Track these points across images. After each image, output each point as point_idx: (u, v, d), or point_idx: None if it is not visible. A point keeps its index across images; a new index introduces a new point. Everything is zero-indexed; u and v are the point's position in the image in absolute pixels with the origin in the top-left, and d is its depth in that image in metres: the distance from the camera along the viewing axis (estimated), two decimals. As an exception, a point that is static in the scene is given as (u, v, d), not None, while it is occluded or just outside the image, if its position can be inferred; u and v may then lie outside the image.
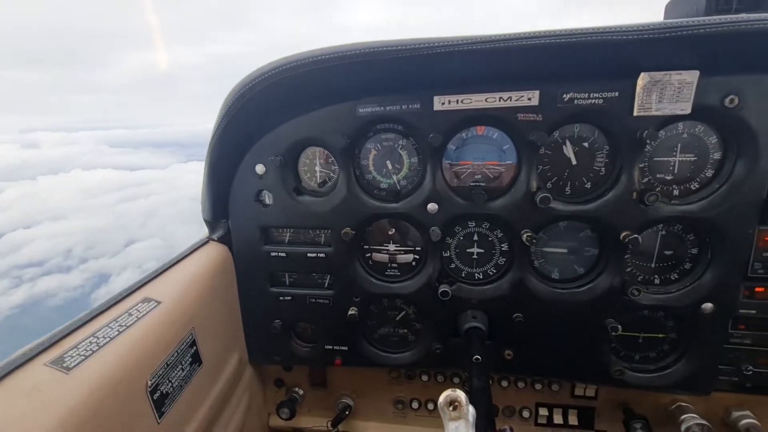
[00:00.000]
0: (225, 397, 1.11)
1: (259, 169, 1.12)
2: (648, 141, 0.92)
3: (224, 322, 1.15)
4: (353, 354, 1.24)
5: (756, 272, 0.99)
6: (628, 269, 1.08)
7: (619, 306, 1.07)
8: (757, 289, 1.01)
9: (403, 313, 1.24)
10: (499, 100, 0.97)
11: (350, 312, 1.17)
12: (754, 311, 1.02)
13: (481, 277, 1.16)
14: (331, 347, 1.25)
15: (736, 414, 1.14)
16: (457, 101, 0.99)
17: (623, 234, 0.99)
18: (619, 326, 1.05)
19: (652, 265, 1.07)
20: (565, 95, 0.95)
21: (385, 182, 1.14)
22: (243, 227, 1.19)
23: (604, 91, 0.93)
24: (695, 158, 0.98)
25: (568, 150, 1.03)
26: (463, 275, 1.17)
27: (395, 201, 1.11)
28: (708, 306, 1.02)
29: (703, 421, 1.10)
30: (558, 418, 1.26)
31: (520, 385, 1.26)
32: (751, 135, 0.91)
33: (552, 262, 1.12)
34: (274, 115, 1.09)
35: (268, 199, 1.16)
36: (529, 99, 0.96)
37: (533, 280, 1.10)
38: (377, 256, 1.20)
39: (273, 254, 1.19)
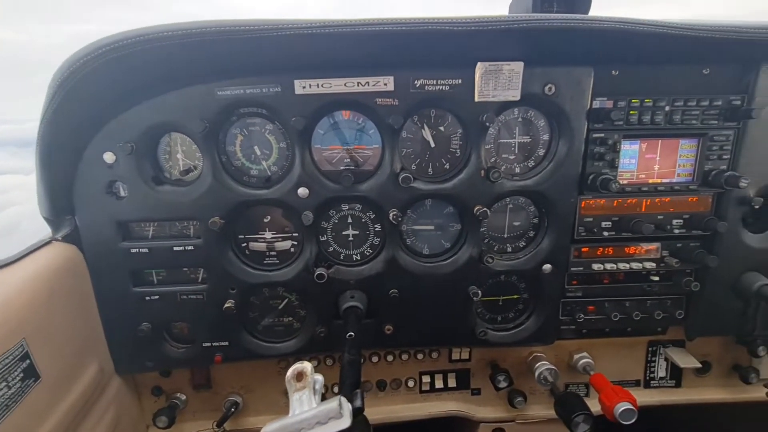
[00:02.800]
0: (79, 413, 0.99)
1: (108, 157, 1.01)
2: (488, 124, 1.04)
3: (74, 329, 1.02)
4: (235, 348, 1.20)
5: (580, 235, 1.18)
6: (486, 240, 1.21)
7: (479, 274, 1.19)
8: (583, 249, 1.21)
9: (286, 300, 1.23)
10: (358, 85, 1.01)
11: (226, 305, 1.13)
12: (581, 268, 1.21)
13: (358, 257, 1.20)
14: (209, 344, 1.19)
15: (576, 356, 1.35)
16: (318, 85, 1.00)
17: (476, 208, 1.11)
18: (480, 291, 1.17)
19: (505, 236, 1.21)
20: (416, 81, 1.02)
21: (255, 168, 1.11)
22: (94, 223, 1.06)
23: (450, 78, 1.02)
24: (530, 139, 1.13)
25: (427, 133, 1.11)
26: (341, 257, 1.20)
27: (266, 187, 1.09)
28: (547, 267, 1.19)
29: (552, 366, 1.29)
30: (439, 383, 1.37)
31: (404, 357, 1.34)
32: (566, 119, 1.07)
33: (422, 239, 1.21)
34: (122, 98, 0.99)
35: (122, 190, 1.06)
36: (385, 84, 1.01)
37: (405, 257, 1.17)
38: (254, 245, 1.17)
39: (134, 251, 1.09)
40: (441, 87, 1.02)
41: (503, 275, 1.24)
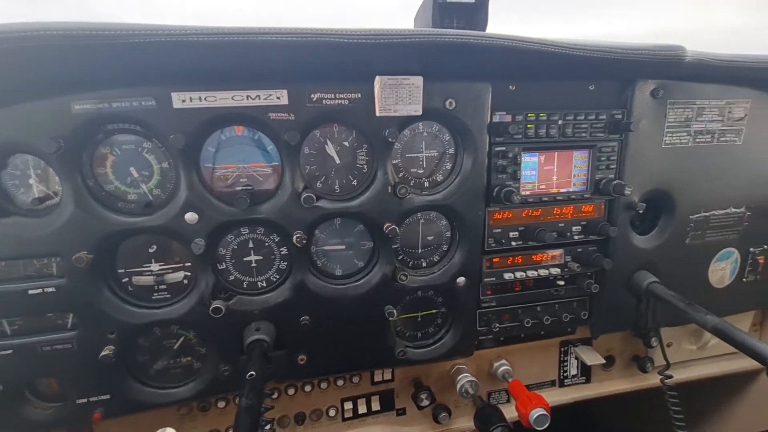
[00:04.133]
0: None
1: None
2: (391, 139, 1.00)
3: None
4: (120, 401, 1.03)
5: (490, 246, 1.20)
6: (400, 257, 1.18)
7: (394, 292, 1.15)
8: (494, 260, 1.22)
9: (182, 339, 1.09)
10: (247, 99, 0.92)
11: (103, 353, 0.96)
12: (494, 278, 1.23)
13: (264, 284, 1.10)
14: (85, 400, 1.01)
15: (496, 364, 1.37)
16: (200, 98, 0.90)
17: (385, 225, 1.07)
18: (395, 311, 1.13)
19: (419, 251, 1.19)
20: (313, 95, 0.95)
21: (133, 193, 0.97)
22: None
23: (349, 92, 0.97)
24: (437, 153, 1.12)
25: (330, 149, 1.05)
26: (245, 286, 1.09)
27: (146, 213, 0.96)
28: (461, 279, 1.19)
29: (473, 378, 1.29)
30: (362, 408, 1.31)
31: (323, 385, 1.26)
32: (468, 133, 1.08)
33: (333, 260, 1.14)
34: None
35: (-48, 226, 0.86)
36: (278, 98, 0.93)
37: (315, 281, 1.10)
38: (139, 280, 1.02)
39: None
40: (340, 101, 0.97)
41: (420, 291, 1.21)
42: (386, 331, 1.19)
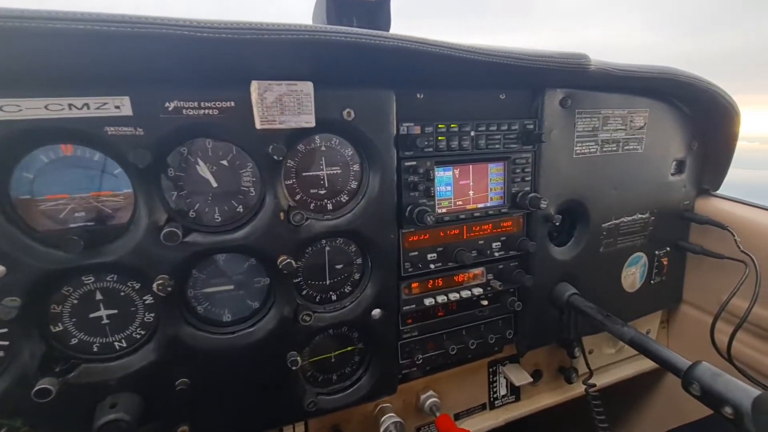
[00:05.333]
0: None
1: None
2: (276, 157, 0.83)
3: None
4: None
5: (407, 271, 1.08)
6: (305, 291, 1.01)
7: (298, 335, 0.97)
8: (413, 285, 1.10)
9: (5, 430, 0.81)
10: (70, 108, 0.69)
11: None
12: (414, 305, 1.11)
13: (124, 344, 0.86)
14: None
15: (422, 397, 1.25)
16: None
17: (280, 259, 0.89)
18: (299, 359, 0.96)
19: (327, 282, 1.03)
20: (168, 104, 0.75)
21: None
22: None
23: (218, 100, 0.78)
24: (340, 170, 0.97)
25: (204, 170, 0.85)
26: (94, 350, 0.84)
27: None
28: (377, 312, 1.05)
29: (398, 419, 1.15)
30: (272, 472, 1.11)
31: (220, 454, 1.04)
32: (373, 147, 0.94)
33: (220, 303, 0.94)
34: None
35: None
36: (118, 107, 0.72)
37: (194, 332, 0.88)
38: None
39: None
40: (206, 111, 0.78)
41: (332, 328, 1.05)
42: (292, 380, 1.01)
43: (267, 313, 0.94)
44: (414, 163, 1.00)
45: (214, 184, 0.86)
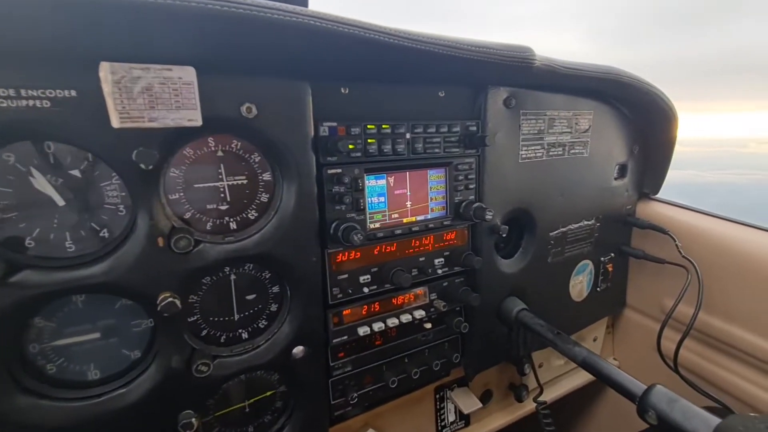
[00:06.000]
0: None
1: None
2: (144, 165, 0.63)
3: None
4: None
5: (336, 298, 0.91)
6: (205, 332, 0.80)
7: (194, 389, 0.77)
8: (344, 313, 0.94)
9: None
10: None
11: None
12: (346, 337, 0.94)
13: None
14: None
15: (361, 438, 1.09)
16: None
17: (160, 298, 0.69)
18: (194, 420, 0.76)
19: (235, 318, 0.83)
20: None
21: None
22: None
23: (51, 87, 0.57)
24: (246, 181, 0.79)
25: (42, 183, 0.62)
26: None
27: None
28: (299, 349, 0.87)
29: (330, 468, 0.98)
30: None
31: None
32: (284, 151, 0.77)
33: (82, 358, 0.71)
34: None
35: None
36: None
37: (33, 404, 0.65)
38: None
39: None
40: (31, 103, 0.56)
41: (244, 374, 0.86)
42: None
43: (147, 367, 0.73)
44: (339, 170, 0.84)
45: (60, 203, 0.63)
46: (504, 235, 1.10)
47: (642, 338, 1.53)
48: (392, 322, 0.99)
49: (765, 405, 1.17)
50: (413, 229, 0.96)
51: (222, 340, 0.83)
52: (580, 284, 1.38)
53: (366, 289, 0.94)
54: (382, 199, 0.93)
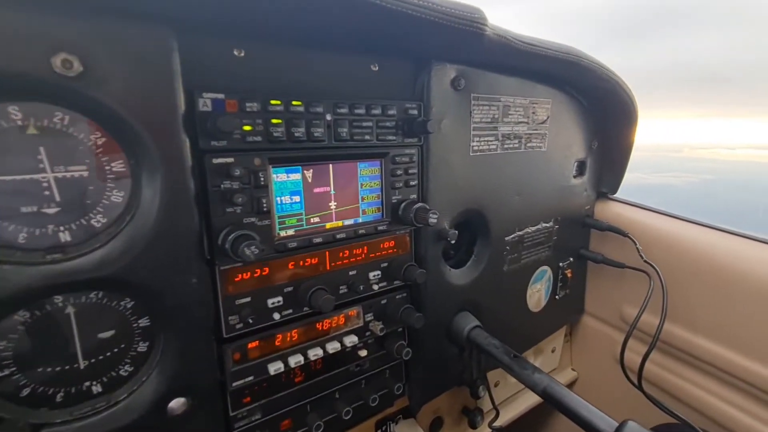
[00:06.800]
0: None
1: None
2: None
3: None
4: None
5: (234, 329, 0.69)
6: (27, 392, 0.55)
7: None
8: (249, 347, 0.72)
9: None
10: None
11: None
12: (251, 377, 0.73)
13: None
14: None
15: (280, 497, 0.87)
16: None
17: None
18: None
19: (81, 366, 0.59)
20: None
21: None
22: None
23: None
24: (87, 173, 0.55)
25: None
26: None
27: None
28: (179, 402, 0.64)
29: None
30: None
31: None
32: (137, 130, 0.54)
33: None
34: None
35: None
36: None
37: None
38: None
39: None
40: None
41: None
42: None
43: None
44: (229, 159, 0.62)
45: None
46: (453, 242, 0.94)
47: (601, 347, 1.43)
48: (315, 353, 0.79)
49: (730, 420, 1.08)
50: (338, 236, 0.76)
51: (58, 399, 0.58)
52: (537, 293, 1.25)
53: (277, 315, 0.73)
54: (296, 198, 0.72)
